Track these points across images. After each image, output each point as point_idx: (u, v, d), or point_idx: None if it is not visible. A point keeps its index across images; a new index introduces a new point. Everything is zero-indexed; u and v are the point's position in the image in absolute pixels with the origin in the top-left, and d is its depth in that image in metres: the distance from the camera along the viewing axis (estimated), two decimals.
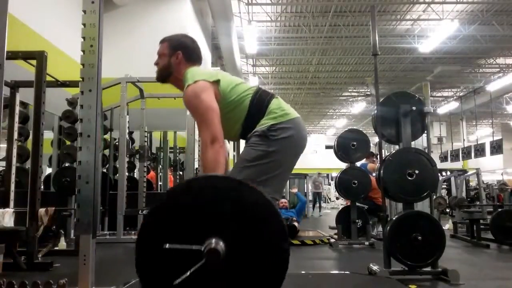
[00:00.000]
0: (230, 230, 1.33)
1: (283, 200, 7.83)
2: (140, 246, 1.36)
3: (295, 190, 8.02)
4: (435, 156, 6.32)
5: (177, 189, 1.40)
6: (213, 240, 1.31)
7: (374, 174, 5.90)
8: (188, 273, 1.29)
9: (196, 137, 5.81)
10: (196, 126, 5.53)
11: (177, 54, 1.97)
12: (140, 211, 5.72)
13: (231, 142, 8.47)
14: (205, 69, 2.05)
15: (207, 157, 1.72)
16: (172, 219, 1.36)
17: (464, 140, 14.63)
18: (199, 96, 1.79)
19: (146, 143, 6.36)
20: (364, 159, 6.29)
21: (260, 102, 1.89)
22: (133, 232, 5.70)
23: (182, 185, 1.44)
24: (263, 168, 1.81)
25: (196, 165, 6.28)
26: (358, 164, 5.96)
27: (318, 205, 13.62)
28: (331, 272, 3.76)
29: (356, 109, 20.22)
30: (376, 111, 3.72)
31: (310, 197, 14.11)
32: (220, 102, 1.84)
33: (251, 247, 1.34)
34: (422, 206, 4.42)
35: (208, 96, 1.80)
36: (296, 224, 5.91)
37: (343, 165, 5.92)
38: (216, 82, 1.86)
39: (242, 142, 2.02)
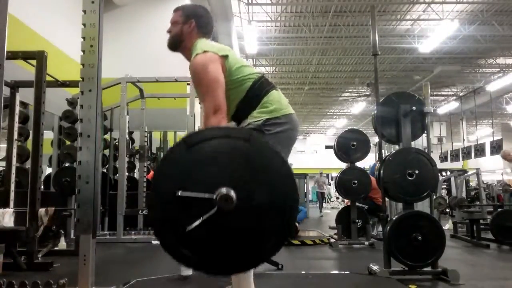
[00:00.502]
0: (242, 180, 1.36)
1: None
2: (153, 193, 1.39)
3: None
4: (435, 156, 6.32)
5: (192, 137, 1.42)
6: (225, 189, 1.33)
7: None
8: (201, 220, 1.32)
9: None
10: (196, 126, 5.56)
11: (190, 23, 1.98)
12: (140, 211, 5.72)
13: None
14: (215, 42, 2.04)
15: (210, 125, 1.72)
16: (185, 167, 1.38)
17: (464, 140, 14.62)
18: (206, 66, 1.80)
19: (146, 143, 6.36)
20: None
21: (259, 88, 1.90)
22: (133, 232, 5.70)
23: (196, 133, 1.45)
24: None
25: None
26: (367, 166, 5.94)
27: (321, 205, 13.85)
28: (331, 272, 3.75)
29: (356, 109, 20.22)
30: (376, 111, 3.72)
31: (310, 197, 14.17)
32: (224, 78, 1.85)
33: (261, 197, 1.37)
34: (422, 206, 4.42)
35: (215, 67, 1.81)
36: (296, 224, 5.91)
37: (343, 165, 5.91)
38: (225, 57, 1.86)
39: None
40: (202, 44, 1.90)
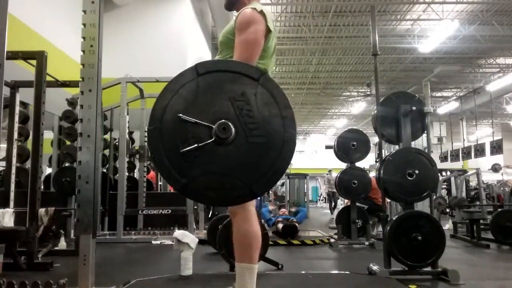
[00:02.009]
0: (243, 117, 1.41)
1: (283, 209, 7.85)
2: (156, 109, 1.42)
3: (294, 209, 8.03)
4: (435, 156, 6.31)
5: (204, 66, 1.46)
6: (223, 121, 1.38)
7: (372, 175, 5.92)
8: (196, 145, 1.37)
9: None
10: None
11: None
12: (140, 211, 5.72)
13: None
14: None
15: None
16: (191, 93, 1.42)
17: (464, 140, 14.61)
18: (255, 24, 1.78)
19: (146, 143, 6.36)
20: None
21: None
22: (133, 232, 5.70)
23: (209, 63, 1.49)
24: None
25: None
26: (367, 166, 5.95)
27: (333, 205, 13.27)
28: (331, 272, 3.75)
29: (356, 109, 20.22)
30: (376, 111, 3.72)
31: (311, 197, 14.05)
32: None
33: (259, 134, 1.42)
34: (422, 206, 4.42)
35: (261, 32, 1.79)
36: (296, 224, 5.91)
37: (343, 165, 5.91)
38: (269, 32, 1.85)
39: None
40: (262, 8, 1.86)
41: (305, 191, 12.93)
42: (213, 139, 1.37)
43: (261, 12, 1.81)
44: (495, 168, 8.96)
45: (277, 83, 1.51)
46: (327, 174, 14.09)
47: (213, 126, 1.37)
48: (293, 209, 7.81)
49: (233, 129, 1.38)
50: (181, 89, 1.42)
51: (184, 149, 1.36)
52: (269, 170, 1.43)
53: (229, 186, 1.41)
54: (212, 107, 1.41)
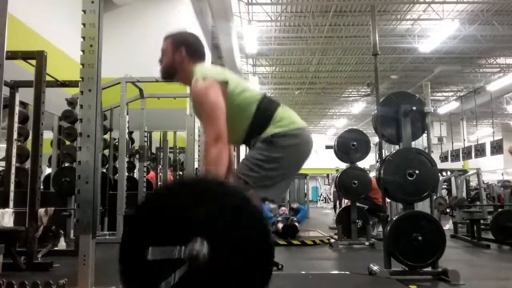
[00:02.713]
0: (213, 230, 1.33)
1: (283, 208, 7.83)
2: (123, 250, 1.37)
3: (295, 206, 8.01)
4: (435, 156, 6.30)
5: (161, 191, 1.41)
6: (196, 244, 1.30)
7: (372, 175, 5.91)
8: (172, 278, 1.29)
9: (196, 137, 5.80)
10: (196, 126, 5.54)
11: (181, 50, 1.96)
12: None
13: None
14: (214, 67, 2.04)
15: (210, 155, 1.72)
16: (155, 220, 1.35)
17: (464, 140, 14.62)
18: (207, 91, 1.79)
19: (146, 143, 6.36)
20: None
21: (265, 110, 1.89)
22: None
23: (165, 186, 1.44)
24: (266, 174, 1.81)
25: (196, 165, 6.28)
26: (367, 166, 5.95)
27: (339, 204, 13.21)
28: (331, 272, 3.75)
29: (356, 109, 20.21)
30: (376, 111, 3.72)
31: (311, 197, 14.02)
32: (226, 104, 1.84)
33: (234, 245, 1.35)
34: (422, 206, 4.41)
35: (216, 93, 1.79)
36: (296, 224, 5.91)
37: (343, 165, 5.91)
38: (225, 82, 1.85)
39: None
40: (202, 70, 1.88)
41: (305, 191, 12.93)
42: (186, 267, 1.30)
43: (205, 78, 1.81)
44: (506, 186, 8.95)
45: (237, 187, 1.44)
46: (331, 174, 14.02)
47: (182, 255, 1.31)
48: (294, 206, 7.79)
49: (204, 250, 1.30)
50: (142, 221, 1.38)
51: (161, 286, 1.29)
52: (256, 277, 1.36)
53: None
54: (180, 228, 1.34)
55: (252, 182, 1.78)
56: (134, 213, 1.38)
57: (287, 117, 1.89)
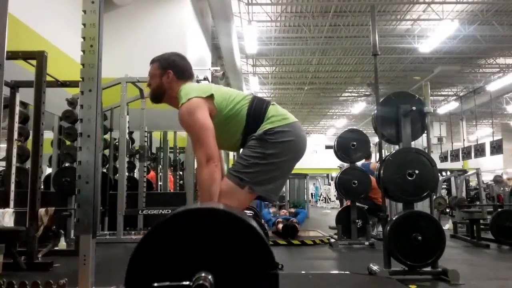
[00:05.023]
0: (218, 263, 1.33)
1: (284, 210, 7.83)
2: (129, 284, 1.34)
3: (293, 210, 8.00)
4: (435, 156, 6.31)
5: (162, 225, 1.40)
6: (202, 275, 1.30)
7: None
8: None
9: None
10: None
11: (168, 73, 1.98)
12: (140, 211, 5.72)
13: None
14: (198, 84, 2.05)
15: (203, 176, 1.75)
16: (159, 255, 1.34)
17: (464, 140, 14.62)
18: (193, 114, 1.80)
19: (146, 143, 6.36)
20: (364, 159, 6.28)
21: (257, 111, 1.90)
22: (133, 232, 5.70)
23: (166, 221, 1.43)
24: (260, 169, 1.82)
25: (196, 166, 6.28)
26: (358, 164, 5.97)
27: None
28: (331, 272, 3.76)
29: (356, 109, 20.22)
30: (376, 111, 3.72)
31: (311, 197, 14.04)
32: (216, 116, 1.85)
33: (239, 277, 1.34)
34: (422, 206, 4.42)
35: (202, 114, 1.81)
36: (296, 224, 5.91)
37: (346, 164, 5.91)
38: (210, 97, 1.85)
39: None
40: (186, 91, 1.88)
41: (305, 191, 12.94)
42: None
43: (190, 99, 1.81)
44: (497, 180, 8.97)
45: (239, 217, 1.41)
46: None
47: (190, 284, 1.29)
48: (292, 210, 7.79)
49: (211, 281, 1.30)
50: (146, 256, 1.35)
51: None
52: None
53: None
54: (184, 262, 1.33)
55: (248, 179, 1.80)
56: (139, 246, 1.38)
57: (279, 114, 1.90)
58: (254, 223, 1.42)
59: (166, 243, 1.35)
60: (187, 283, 1.30)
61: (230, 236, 1.36)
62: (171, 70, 1.98)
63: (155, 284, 1.30)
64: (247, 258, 1.36)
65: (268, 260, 1.37)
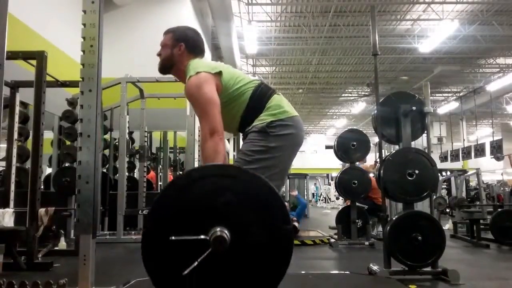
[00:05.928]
0: (234, 218, 1.35)
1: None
2: (146, 239, 1.37)
3: (295, 193, 7.99)
4: (435, 156, 6.31)
5: (178, 181, 1.41)
6: (218, 229, 1.32)
7: (371, 175, 5.91)
8: (196, 263, 1.30)
9: (196, 137, 5.80)
10: (196, 126, 5.55)
11: (180, 46, 1.97)
12: (140, 211, 5.72)
13: (231, 142, 8.44)
14: (207, 60, 2.04)
15: (207, 148, 1.73)
16: (175, 210, 1.36)
17: (464, 140, 14.63)
18: (200, 88, 1.79)
19: (146, 143, 6.36)
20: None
21: (260, 96, 1.90)
22: (133, 232, 5.70)
23: (182, 176, 1.44)
24: (264, 163, 1.81)
25: (196, 165, 6.29)
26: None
27: None
28: (331, 272, 3.76)
29: (356, 109, 20.22)
30: (376, 111, 3.72)
31: (311, 197, 14.02)
32: (221, 94, 1.84)
33: (255, 232, 1.36)
34: (422, 206, 4.42)
35: (209, 88, 1.80)
36: (296, 224, 5.91)
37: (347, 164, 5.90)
38: (218, 74, 1.85)
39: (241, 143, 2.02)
40: (195, 65, 1.89)
41: (305, 191, 12.94)
42: (210, 249, 1.31)
43: (198, 73, 1.81)
44: (498, 157, 8.89)
45: (255, 174, 1.44)
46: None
47: (208, 237, 1.31)
48: (294, 193, 7.78)
49: (227, 235, 1.32)
50: (163, 211, 1.38)
51: (185, 272, 1.29)
52: (272, 267, 1.41)
53: None
54: (200, 217, 1.35)
55: None
56: (157, 202, 1.39)
57: (281, 105, 1.90)
58: (268, 182, 1.42)
59: (182, 198, 1.36)
60: (203, 237, 1.31)
61: (245, 192, 1.37)
62: (183, 43, 1.97)
63: (172, 238, 1.31)
64: (262, 214, 1.37)
65: (283, 215, 1.39)
